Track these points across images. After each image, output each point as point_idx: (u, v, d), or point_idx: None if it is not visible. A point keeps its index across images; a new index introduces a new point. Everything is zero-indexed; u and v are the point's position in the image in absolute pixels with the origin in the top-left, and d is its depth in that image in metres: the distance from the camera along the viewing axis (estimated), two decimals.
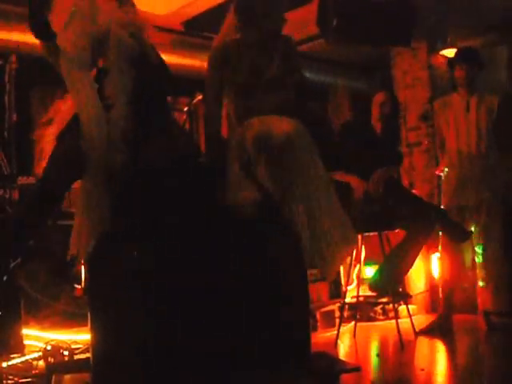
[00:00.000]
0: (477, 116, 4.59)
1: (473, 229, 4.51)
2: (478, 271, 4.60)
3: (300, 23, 5.87)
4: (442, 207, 4.71)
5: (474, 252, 4.61)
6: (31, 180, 4.54)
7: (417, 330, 4.48)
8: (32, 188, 3.18)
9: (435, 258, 5.36)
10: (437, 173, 5.29)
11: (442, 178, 4.85)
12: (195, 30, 6.17)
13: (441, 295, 4.73)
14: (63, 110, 2.89)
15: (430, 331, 4.51)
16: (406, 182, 5.85)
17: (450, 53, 5.81)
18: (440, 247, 4.67)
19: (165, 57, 2.97)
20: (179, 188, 2.69)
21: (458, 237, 4.25)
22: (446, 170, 4.79)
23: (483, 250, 4.55)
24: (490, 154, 4.59)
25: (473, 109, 4.61)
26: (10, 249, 2.70)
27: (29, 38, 5.12)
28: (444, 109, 4.76)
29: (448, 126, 4.71)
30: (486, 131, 4.58)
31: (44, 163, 2.77)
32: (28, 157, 5.44)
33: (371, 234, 4.47)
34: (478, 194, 4.56)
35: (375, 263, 4.87)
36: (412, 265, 4.09)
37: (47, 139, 2.89)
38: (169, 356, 2.60)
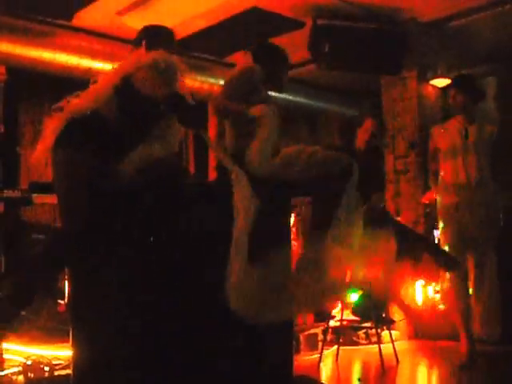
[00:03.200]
0: (476, 144, 4.41)
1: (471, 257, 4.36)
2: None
3: (292, 48, 5.93)
4: (435, 236, 4.69)
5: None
6: (16, 193, 4.51)
7: (399, 356, 4.46)
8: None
9: (418, 285, 5.38)
10: (423, 201, 5.32)
11: (438, 206, 4.60)
12: (186, 49, 6.21)
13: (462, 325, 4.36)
14: (50, 126, 2.88)
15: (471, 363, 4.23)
16: (391, 209, 5.89)
17: (439, 82, 5.89)
18: (446, 279, 4.47)
19: None
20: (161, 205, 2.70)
21: (447, 266, 4.24)
22: (439, 198, 4.57)
23: (477, 278, 4.40)
24: (487, 182, 4.42)
25: (472, 136, 4.43)
26: None
27: (18, 50, 5.20)
28: (442, 135, 4.56)
29: (445, 153, 4.51)
30: (485, 159, 4.42)
31: (32, 178, 2.77)
32: (14, 170, 5.41)
33: None
34: (477, 222, 4.36)
35: (360, 288, 4.89)
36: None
37: (35, 156, 2.88)
38: (152, 373, 2.59)
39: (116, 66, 2.92)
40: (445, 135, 4.55)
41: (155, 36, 3.08)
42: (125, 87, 2.74)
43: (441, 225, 4.55)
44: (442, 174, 4.55)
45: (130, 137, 2.70)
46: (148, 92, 2.72)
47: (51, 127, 2.76)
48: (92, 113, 2.70)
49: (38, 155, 2.79)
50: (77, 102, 2.76)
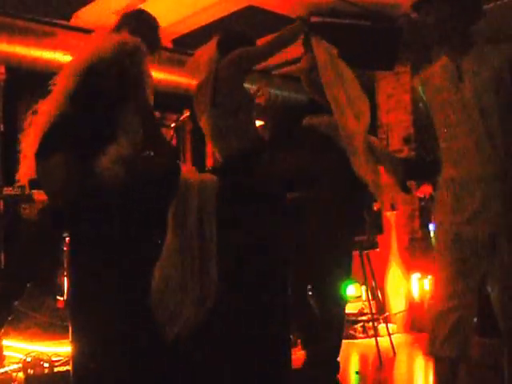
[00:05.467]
0: (474, 86, 2.53)
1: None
2: None
3: None
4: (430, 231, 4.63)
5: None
6: (16, 191, 4.55)
7: (396, 349, 4.50)
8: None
9: (415, 278, 5.43)
10: (417, 195, 5.35)
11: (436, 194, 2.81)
12: (184, 47, 6.26)
13: None
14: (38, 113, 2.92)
15: None
16: (387, 204, 5.93)
17: None
18: None
19: (153, 73, 3.00)
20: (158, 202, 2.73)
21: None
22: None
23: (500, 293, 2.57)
24: (501, 150, 2.47)
25: (467, 76, 2.56)
26: None
27: (18, 50, 5.23)
28: (428, 84, 2.76)
29: (434, 109, 2.70)
30: (493, 109, 2.50)
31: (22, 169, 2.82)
32: (14, 168, 5.46)
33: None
34: (491, 220, 2.47)
35: (356, 281, 4.94)
36: None
37: (25, 143, 2.92)
38: (151, 369, 2.62)
39: (75, 57, 2.83)
40: (431, 82, 2.75)
41: (137, 21, 2.99)
42: (88, 80, 2.72)
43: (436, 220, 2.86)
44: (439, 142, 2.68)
45: (97, 132, 2.69)
46: (114, 74, 2.70)
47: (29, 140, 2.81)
48: (61, 115, 2.72)
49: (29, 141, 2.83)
50: (45, 111, 2.77)
